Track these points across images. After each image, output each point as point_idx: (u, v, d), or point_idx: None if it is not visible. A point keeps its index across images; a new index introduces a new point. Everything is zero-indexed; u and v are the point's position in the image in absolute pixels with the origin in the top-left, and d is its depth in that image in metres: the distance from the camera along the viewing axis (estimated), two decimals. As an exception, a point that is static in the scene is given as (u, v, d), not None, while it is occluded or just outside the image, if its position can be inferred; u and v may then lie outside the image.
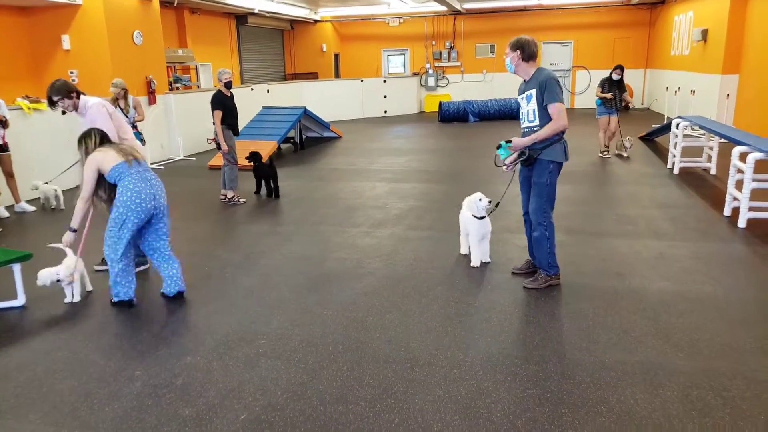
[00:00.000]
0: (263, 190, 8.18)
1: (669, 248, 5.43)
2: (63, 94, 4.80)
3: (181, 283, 4.60)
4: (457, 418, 2.97)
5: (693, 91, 13.27)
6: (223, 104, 7.50)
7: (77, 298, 4.61)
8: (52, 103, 4.84)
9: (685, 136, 8.84)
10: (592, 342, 3.70)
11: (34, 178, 7.84)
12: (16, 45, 10.02)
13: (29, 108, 8.16)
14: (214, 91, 7.68)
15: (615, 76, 9.93)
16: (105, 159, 4.36)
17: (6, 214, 7.38)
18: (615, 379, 3.27)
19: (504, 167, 4.53)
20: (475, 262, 5.09)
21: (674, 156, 8.88)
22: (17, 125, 7.87)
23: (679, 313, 4.08)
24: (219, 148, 7.61)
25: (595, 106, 10.19)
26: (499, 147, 4.45)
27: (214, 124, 7.54)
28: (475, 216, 4.97)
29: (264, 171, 8.07)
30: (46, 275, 4.45)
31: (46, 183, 7.76)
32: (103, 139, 4.52)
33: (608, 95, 9.82)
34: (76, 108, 4.92)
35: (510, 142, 4.41)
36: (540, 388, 3.20)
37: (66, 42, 10.06)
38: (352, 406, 3.10)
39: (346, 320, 4.12)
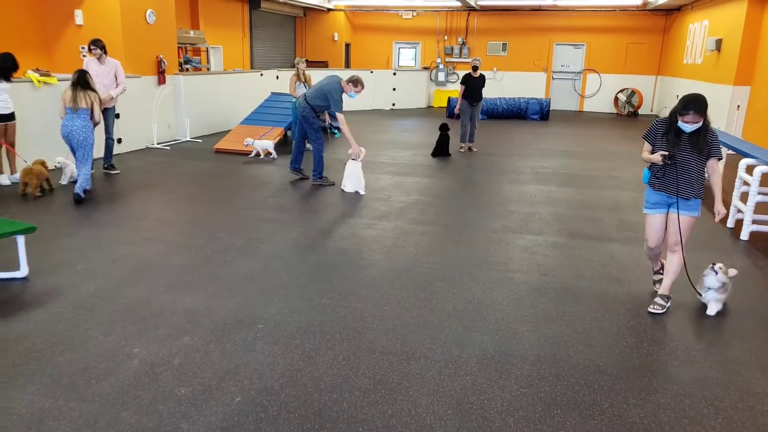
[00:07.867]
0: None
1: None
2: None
3: (79, 189, 6.75)
4: (450, 412, 2.99)
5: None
6: (467, 82, 10.72)
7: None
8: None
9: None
10: (587, 345, 3.72)
11: (38, 151, 7.81)
12: (28, 17, 10.00)
13: (39, 81, 8.17)
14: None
15: (686, 126, 3.95)
16: (64, 97, 6.84)
17: (7, 182, 7.46)
18: (609, 383, 3.29)
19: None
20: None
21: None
22: (26, 98, 7.92)
23: (676, 321, 4.10)
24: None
25: (643, 183, 4.41)
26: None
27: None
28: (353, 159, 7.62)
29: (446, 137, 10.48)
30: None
31: None
32: (79, 79, 6.85)
33: (659, 158, 4.07)
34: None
35: None
36: (534, 388, 3.22)
37: (79, 17, 10.03)
38: (347, 394, 3.12)
39: (344, 310, 4.14)
